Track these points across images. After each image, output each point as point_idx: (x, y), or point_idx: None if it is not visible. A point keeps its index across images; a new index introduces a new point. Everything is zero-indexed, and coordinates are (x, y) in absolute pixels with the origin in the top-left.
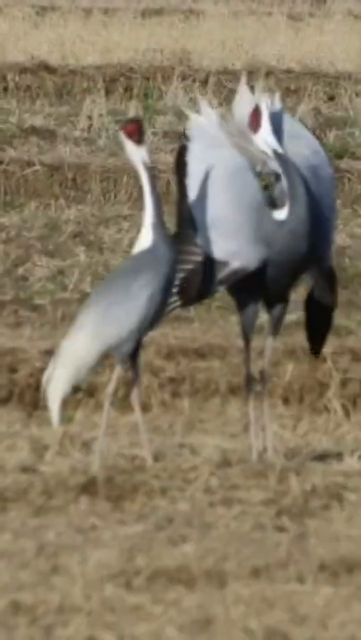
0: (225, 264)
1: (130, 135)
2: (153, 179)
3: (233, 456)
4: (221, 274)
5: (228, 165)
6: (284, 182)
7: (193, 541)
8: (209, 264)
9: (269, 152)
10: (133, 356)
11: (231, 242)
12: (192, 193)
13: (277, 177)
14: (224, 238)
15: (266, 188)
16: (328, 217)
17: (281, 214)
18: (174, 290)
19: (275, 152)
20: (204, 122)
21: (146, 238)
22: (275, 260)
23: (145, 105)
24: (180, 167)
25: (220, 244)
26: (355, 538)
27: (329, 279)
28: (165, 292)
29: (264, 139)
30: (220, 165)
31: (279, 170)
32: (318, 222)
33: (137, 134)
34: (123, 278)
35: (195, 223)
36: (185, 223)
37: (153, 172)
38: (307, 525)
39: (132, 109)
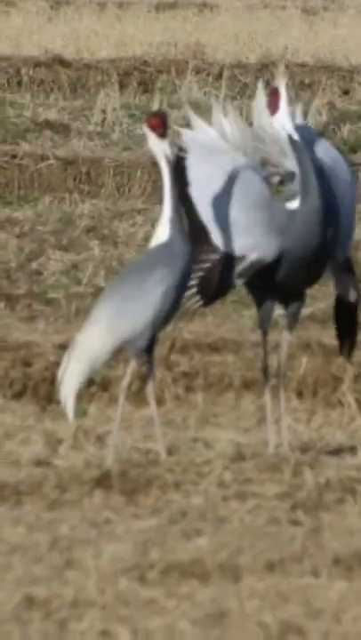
0: (242, 258)
1: (153, 128)
2: (173, 174)
3: (247, 450)
4: (240, 267)
5: (228, 168)
6: (296, 171)
7: (207, 535)
8: (226, 260)
9: (285, 136)
10: (149, 351)
11: (246, 237)
12: (197, 200)
13: (292, 176)
14: (239, 235)
15: (281, 183)
16: (345, 211)
17: (293, 204)
18: (194, 289)
19: (290, 137)
20: (197, 135)
21: (163, 232)
22: (291, 250)
23: (162, 99)
24: (181, 178)
25: (236, 240)
26: None
27: (348, 273)
28: (181, 287)
29: (281, 122)
30: (221, 170)
31: (293, 165)
32: (333, 212)
33: (161, 128)
34: (138, 273)
35: (206, 227)
36: (196, 227)
37: (174, 166)
38: (321, 519)
39: (156, 103)
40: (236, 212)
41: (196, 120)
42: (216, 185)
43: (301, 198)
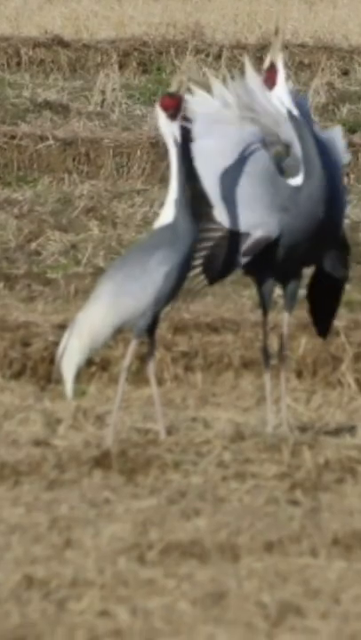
0: (247, 235)
1: (165, 108)
2: (181, 155)
3: (246, 430)
4: (245, 245)
5: (234, 140)
6: (296, 148)
7: (206, 515)
8: (231, 239)
9: (284, 111)
10: (150, 331)
11: (251, 213)
12: (203, 172)
13: (288, 148)
14: (243, 211)
15: (278, 159)
16: (340, 185)
17: (297, 180)
18: (199, 269)
19: (289, 113)
20: (202, 104)
21: (168, 214)
22: (294, 227)
23: (158, 79)
24: (186, 149)
25: (240, 217)
26: None
27: (341, 249)
28: (183, 269)
29: (280, 98)
30: (227, 141)
31: (291, 137)
32: (332, 188)
33: (172, 109)
34: (141, 253)
35: (210, 201)
36: (200, 202)
37: (181, 148)
38: (320, 499)
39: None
40: (241, 187)
41: (199, 91)
42: (222, 158)
43: (305, 174)
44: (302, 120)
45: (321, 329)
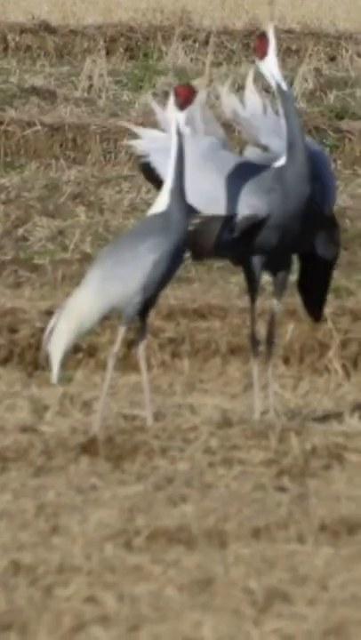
0: (235, 216)
1: (176, 95)
2: (181, 146)
3: (233, 416)
4: (232, 222)
5: (199, 151)
6: (274, 149)
7: (193, 501)
8: (219, 218)
9: (273, 84)
10: (143, 316)
11: (238, 200)
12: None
13: (265, 149)
14: (230, 200)
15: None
16: (325, 164)
17: (280, 162)
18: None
19: (278, 87)
20: (148, 140)
21: (162, 202)
22: (283, 207)
23: (144, 65)
24: (153, 178)
25: (228, 201)
26: (355, 498)
27: (331, 229)
28: (173, 258)
29: (270, 69)
30: (193, 157)
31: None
32: (316, 165)
33: (182, 98)
34: (132, 239)
35: (197, 204)
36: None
37: (182, 139)
38: (307, 486)
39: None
40: (222, 185)
41: (141, 130)
42: (192, 173)
43: (288, 151)
44: (290, 95)
45: (314, 312)
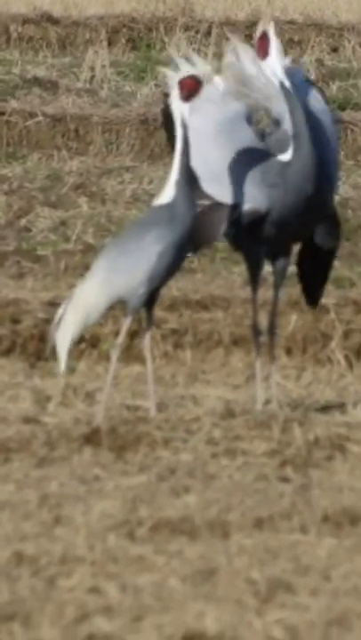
0: (235, 207)
1: (181, 87)
2: (186, 137)
3: (236, 407)
4: (233, 216)
5: (218, 120)
6: (286, 124)
7: (196, 492)
8: (218, 208)
9: (276, 83)
10: (149, 306)
11: (240, 188)
12: (190, 151)
13: (276, 123)
14: (232, 185)
15: (262, 137)
16: (331, 160)
17: (286, 156)
18: None
19: (281, 84)
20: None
21: (167, 194)
22: (284, 202)
23: (147, 55)
24: (170, 126)
25: (230, 190)
26: (358, 489)
27: (331, 222)
28: (179, 249)
29: (272, 67)
30: (211, 121)
31: (281, 113)
32: (322, 162)
33: (187, 91)
34: (137, 230)
35: (198, 177)
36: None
37: (187, 131)
38: (310, 476)
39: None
40: (230, 163)
41: (184, 64)
42: (206, 137)
43: (294, 148)
44: (294, 93)
45: (311, 298)
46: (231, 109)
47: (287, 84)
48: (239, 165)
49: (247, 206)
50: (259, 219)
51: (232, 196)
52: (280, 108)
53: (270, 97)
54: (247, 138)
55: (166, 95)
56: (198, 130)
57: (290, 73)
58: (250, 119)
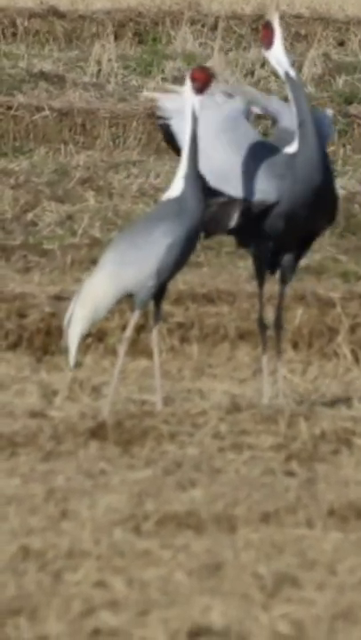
0: (243, 200)
1: (193, 79)
2: (195, 131)
3: (242, 401)
4: (242, 207)
5: (218, 120)
6: (283, 121)
7: (202, 486)
8: (228, 201)
9: (281, 72)
10: (157, 300)
11: (248, 181)
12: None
13: (274, 121)
14: (240, 181)
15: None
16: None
17: (291, 148)
18: None
19: (286, 74)
20: (173, 101)
21: (176, 188)
22: (293, 193)
23: (153, 49)
24: (172, 143)
25: (238, 184)
26: None
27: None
28: (187, 243)
29: (276, 57)
30: (211, 123)
31: (278, 110)
32: (325, 153)
33: (200, 83)
34: (146, 223)
35: (206, 176)
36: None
37: (197, 124)
38: (316, 470)
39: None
40: (234, 161)
41: (169, 88)
42: (208, 138)
43: (299, 138)
44: (300, 82)
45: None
46: (229, 108)
47: (292, 73)
48: (245, 160)
49: (256, 198)
50: (268, 210)
51: (241, 190)
52: (276, 105)
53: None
54: (249, 133)
55: (160, 117)
56: (200, 135)
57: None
58: (248, 116)
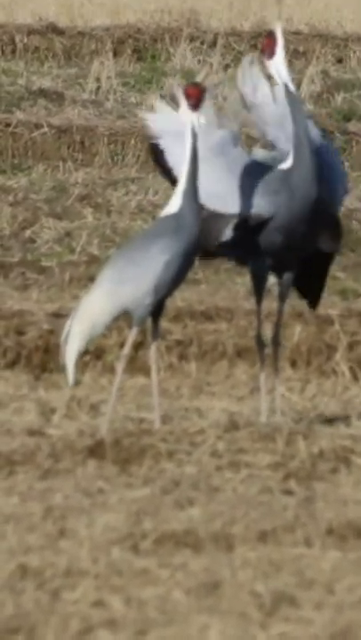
0: (238, 215)
1: (187, 96)
2: (195, 148)
3: (240, 419)
4: (238, 221)
5: (207, 147)
6: (280, 148)
7: (200, 505)
8: (221, 217)
9: (280, 84)
10: (155, 317)
11: (242, 199)
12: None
13: (273, 147)
14: (234, 198)
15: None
16: (333, 164)
17: (286, 163)
18: None
19: (285, 87)
20: (163, 120)
21: (174, 204)
22: (289, 208)
23: (152, 66)
24: (161, 163)
25: (233, 200)
26: None
27: (334, 225)
28: (185, 259)
29: (277, 67)
30: (201, 150)
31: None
32: (324, 167)
33: (194, 99)
34: (143, 240)
35: (202, 198)
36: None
37: (196, 140)
38: (314, 489)
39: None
40: (227, 181)
41: (162, 105)
42: (201, 167)
43: (294, 152)
44: (298, 96)
45: (310, 300)
46: (216, 136)
47: (291, 86)
48: (239, 178)
49: (252, 212)
50: (264, 225)
51: (237, 207)
52: (277, 131)
53: (267, 120)
54: (241, 156)
55: (151, 138)
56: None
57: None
58: (237, 143)
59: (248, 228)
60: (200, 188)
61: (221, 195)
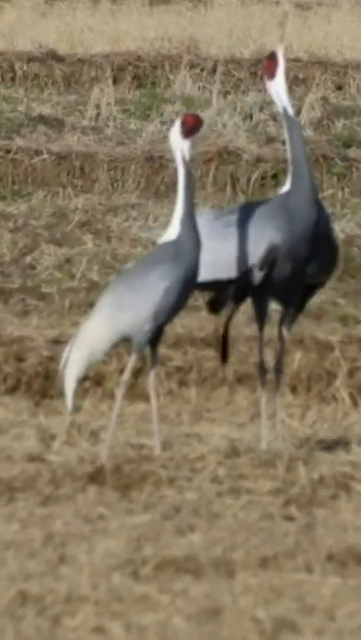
0: (256, 249)
1: (183, 123)
2: (189, 174)
3: (241, 445)
4: (257, 259)
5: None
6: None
7: (200, 531)
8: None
9: (279, 106)
10: (153, 344)
11: (240, 256)
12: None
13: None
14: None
15: None
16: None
17: (284, 187)
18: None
19: (284, 111)
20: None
21: (173, 231)
22: (289, 232)
23: (152, 93)
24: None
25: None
26: None
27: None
28: (184, 286)
29: (277, 90)
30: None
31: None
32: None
33: (188, 126)
34: (143, 267)
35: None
36: None
37: (190, 167)
38: (315, 515)
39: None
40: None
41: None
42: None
43: (292, 176)
44: (296, 120)
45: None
46: (202, 217)
47: (290, 110)
48: (240, 235)
49: (265, 242)
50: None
51: (234, 271)
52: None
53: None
54: (229, 219)
55: None
56: None
57: None
58: (217, 217)
59: (268, 261)
60: (210, 264)
61: (231, 262)
